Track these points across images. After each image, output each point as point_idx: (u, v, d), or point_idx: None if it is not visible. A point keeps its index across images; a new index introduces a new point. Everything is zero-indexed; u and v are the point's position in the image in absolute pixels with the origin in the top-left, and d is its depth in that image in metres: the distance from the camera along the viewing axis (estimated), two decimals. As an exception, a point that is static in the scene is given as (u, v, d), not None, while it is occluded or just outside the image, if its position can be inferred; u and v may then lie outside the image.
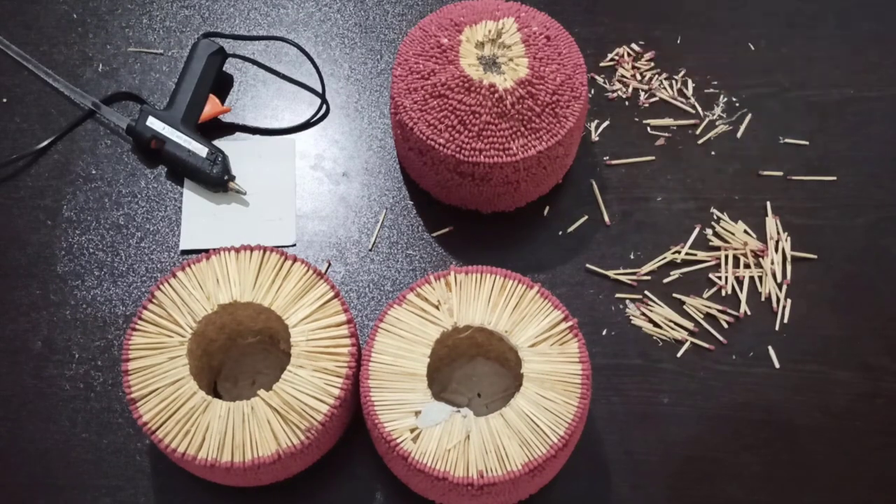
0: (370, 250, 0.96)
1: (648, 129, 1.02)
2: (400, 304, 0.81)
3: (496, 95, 0.86)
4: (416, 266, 0.95)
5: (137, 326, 0.80)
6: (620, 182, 1.00)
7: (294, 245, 0.96)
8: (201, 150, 0.95)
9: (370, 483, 0.85)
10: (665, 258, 0.95)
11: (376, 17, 1.09)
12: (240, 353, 0.89)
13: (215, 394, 0.87)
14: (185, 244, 0.95)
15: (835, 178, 1.00)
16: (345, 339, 0.80)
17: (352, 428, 0.85)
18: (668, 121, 1.02)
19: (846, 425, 0.88)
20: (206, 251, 0.84)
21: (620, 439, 0.87)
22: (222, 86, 1.03)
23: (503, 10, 0.92)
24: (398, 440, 0.75)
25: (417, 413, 0.77)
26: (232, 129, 1.01)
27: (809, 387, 0.90)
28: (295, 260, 0.83)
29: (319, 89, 1.03)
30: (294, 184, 0.99)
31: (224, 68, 1.03)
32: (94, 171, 0.99)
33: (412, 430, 0.76)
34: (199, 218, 0.96)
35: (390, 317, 0.81)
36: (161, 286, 0.82)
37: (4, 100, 1.03)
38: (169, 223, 0.96)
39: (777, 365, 0.91)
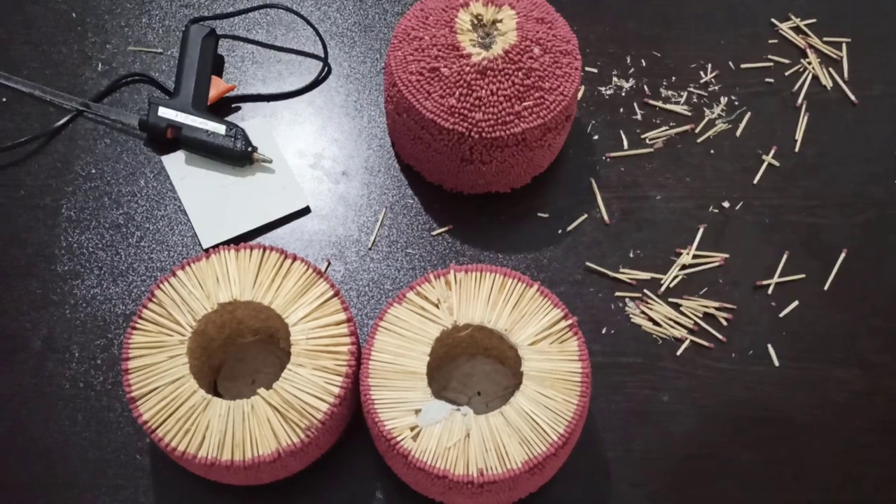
0: (370, 249, 0.96)
1: (648, 139, 1.03)
2: (400, 303, 0.81)
3: (481, 67, 0.87)
4: (415, 265, 0.95)
5: (138, 325, 0.80)
6: (620, 180, 1.00)
7: (308, 207, 0.97)
8: (219, 128, 0.97)
9: (370, 481, 0.85)
10: (676, 264, 0.95)
11: (375, 17, 1.09)
12: (240, 351, 0.89)
13: (215, 392, 0.87)
14: (206, 242, 0.95)
15: (834, 176, 1.01)
16: (344, 337, 0.80)
17: (352, 426, 0.85)
18: (664, 128, 1.03)
19: (845, 423, 0.88)
20: (217, 247, 0.84)
21: (620, 437, 0.87)
22: (217, 66, 1.04)
23: None
24: (398, 438, 0.76)
25: (417, 411, 0.77)
26: (238, 104, 1.03)
27: (809, 384, 0.90)
28: (295, 258, 0.83)
29: (317, 51, 1.06)
30: (281, 155, 0.99)
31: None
32: (93, 171, 0.99)
33: (412, 429, 0.76)
34: (206, 213, 0.96)
35: (390, 315, 0.81)
36: (161, 285, 0.82)
37: (4, 99, 1.03)
38: (169, 222, 0.96)
39: (776, 363, 0.91)
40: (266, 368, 0.88)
